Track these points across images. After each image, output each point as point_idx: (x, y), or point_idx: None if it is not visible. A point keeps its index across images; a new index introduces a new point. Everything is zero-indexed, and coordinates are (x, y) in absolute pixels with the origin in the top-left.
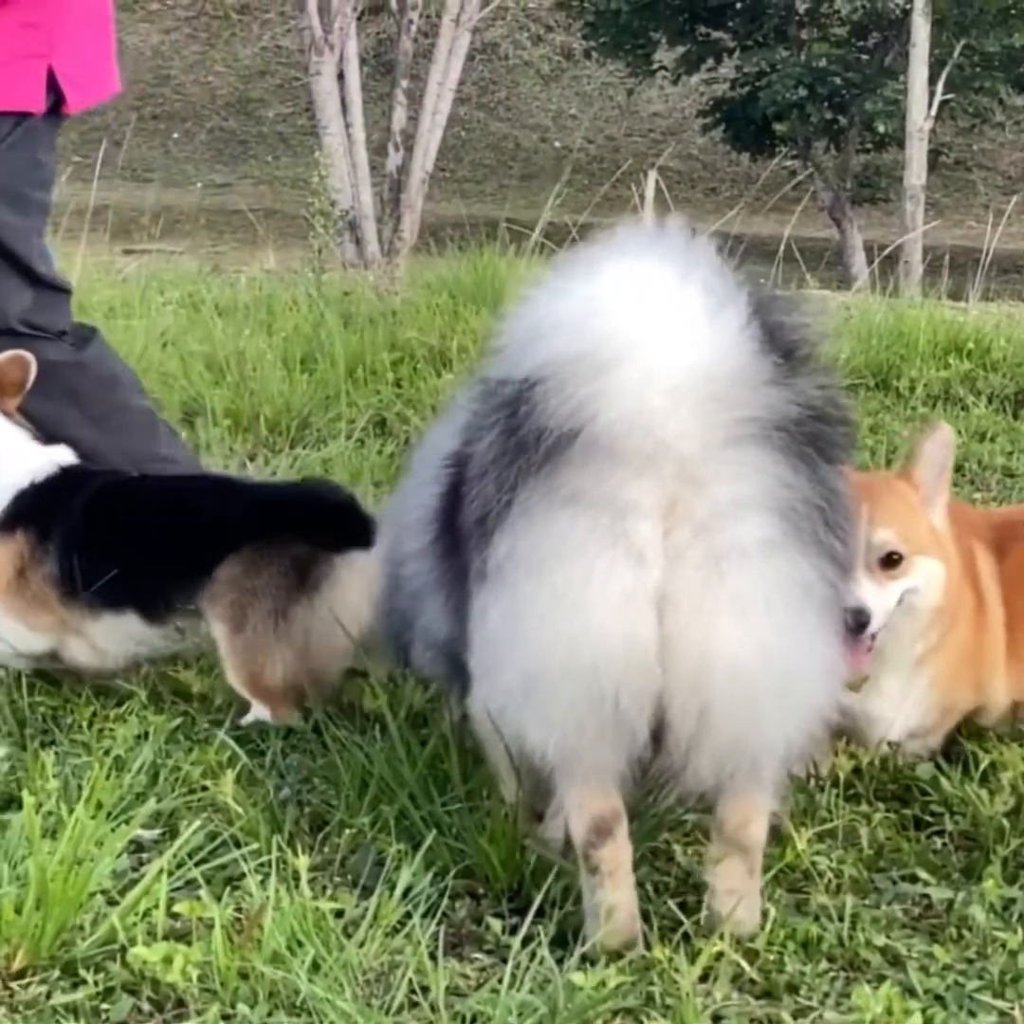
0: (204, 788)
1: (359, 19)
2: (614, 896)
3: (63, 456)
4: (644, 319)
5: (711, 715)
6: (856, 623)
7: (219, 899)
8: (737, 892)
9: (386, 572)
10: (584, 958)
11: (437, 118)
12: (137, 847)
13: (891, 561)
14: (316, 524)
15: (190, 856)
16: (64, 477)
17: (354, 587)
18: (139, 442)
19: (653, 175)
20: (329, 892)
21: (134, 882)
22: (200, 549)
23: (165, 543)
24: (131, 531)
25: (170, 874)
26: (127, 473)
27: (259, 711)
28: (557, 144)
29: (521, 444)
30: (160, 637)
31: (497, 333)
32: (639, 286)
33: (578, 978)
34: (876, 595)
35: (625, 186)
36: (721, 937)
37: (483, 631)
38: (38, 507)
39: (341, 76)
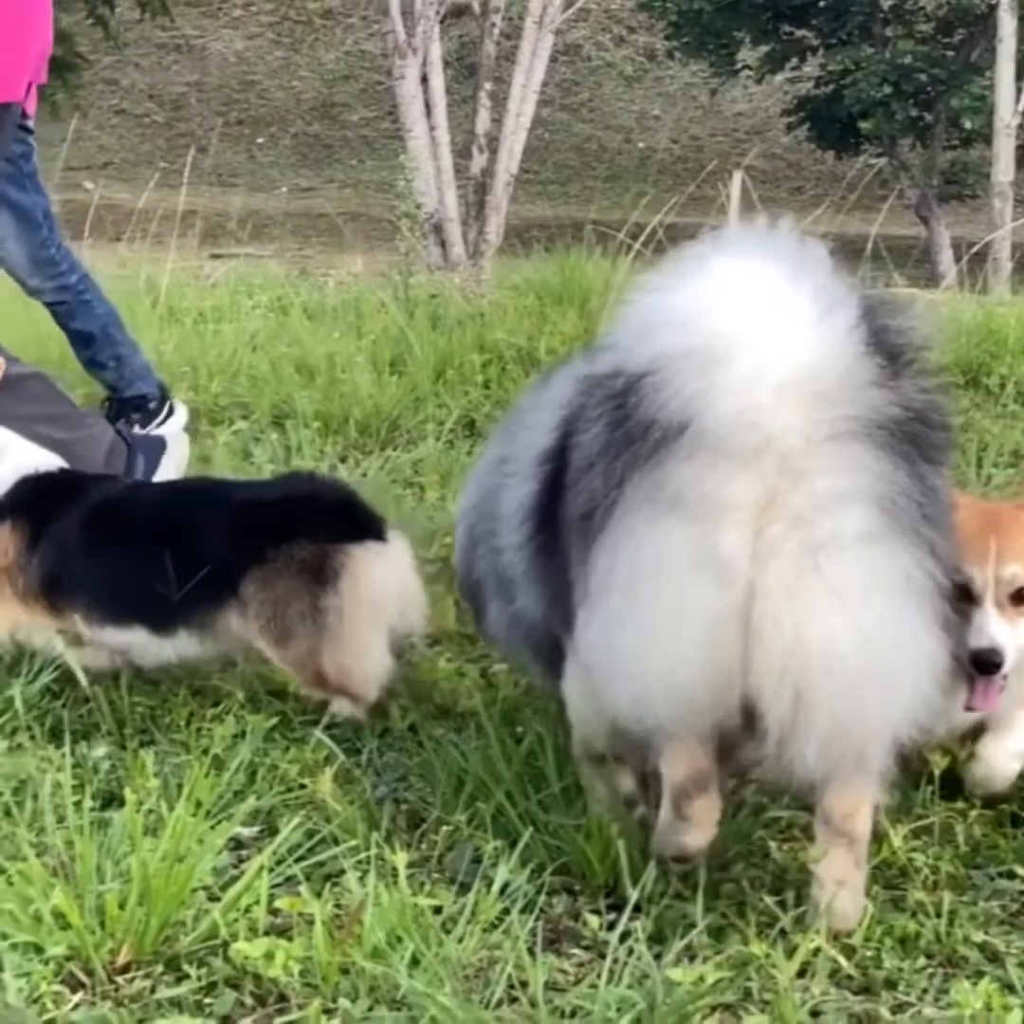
0: (301, 786)
1: (442, 22)
2: (697, 841)
3: (56, 459)
4: (754, 317)
5: (808, 702)
6: (989, 663)
7: (319, 895)
8: (844, 883)
9: (464, 541)
10: (683, 954)
11: (521, 120)
12: (236, 844)
13: (1021, 597)
14: (327, 519)
15: (289, 853)
16: (60, 481)
17: (377, 574)
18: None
19: (739, 175)
20: (427, 888)
21: (234, 879)
22: (220, 565)
23: (182, 561)
24: (140, 547)
25: (270, 871)
26: (121, 481)
27: (341, 705)
28: (641, 145)
29: (629, 436)
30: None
31: (607, 329)
32: (750, 285)
33: (676, 973)
34: (1008, 633)
35: (710, 186)
36: (818, 932)
37: (586, 639)
38: (33, 509)
39: (425, 79)
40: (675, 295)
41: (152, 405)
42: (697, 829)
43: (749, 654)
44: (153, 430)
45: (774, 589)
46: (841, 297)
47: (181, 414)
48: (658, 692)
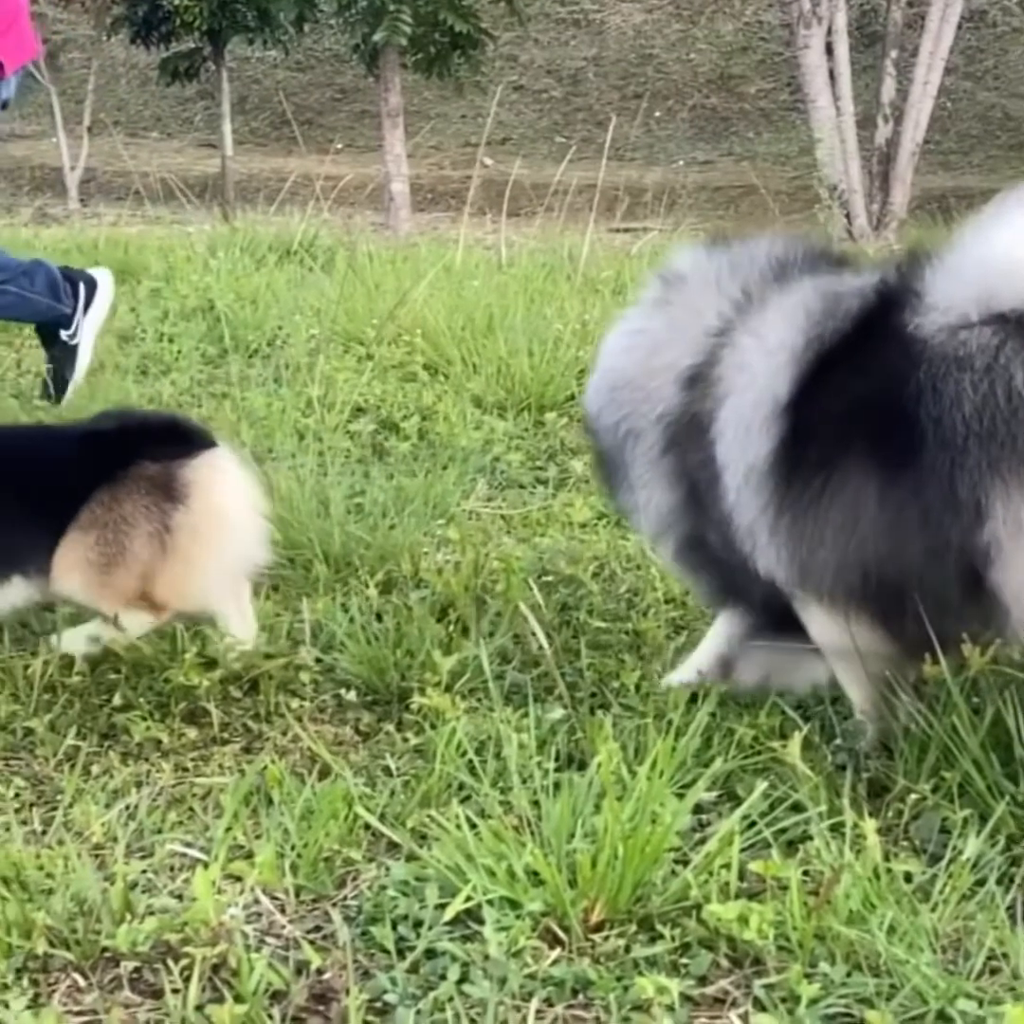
0: (757, 752)
1: None
2: None
3: None
4: None
5: None
6: None
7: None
8: None
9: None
10: None
11: (928, 88)
12: (696, 808)
13: None
14: (157, 443)
15: (761, 817)
16: None
17: (224, 485)
18: None
19: None
20: (896, 856)
21: (700, 841)
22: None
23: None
24: None
25: (739, 835)
26: None
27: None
28: None
29: None
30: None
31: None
32: None
33: None
34: None
35: None
36: None
37: None
38: None
39: (829, 49)
40: None
41: None
42: None
43: None
44: None
45: None
46: None
47: None
48: None
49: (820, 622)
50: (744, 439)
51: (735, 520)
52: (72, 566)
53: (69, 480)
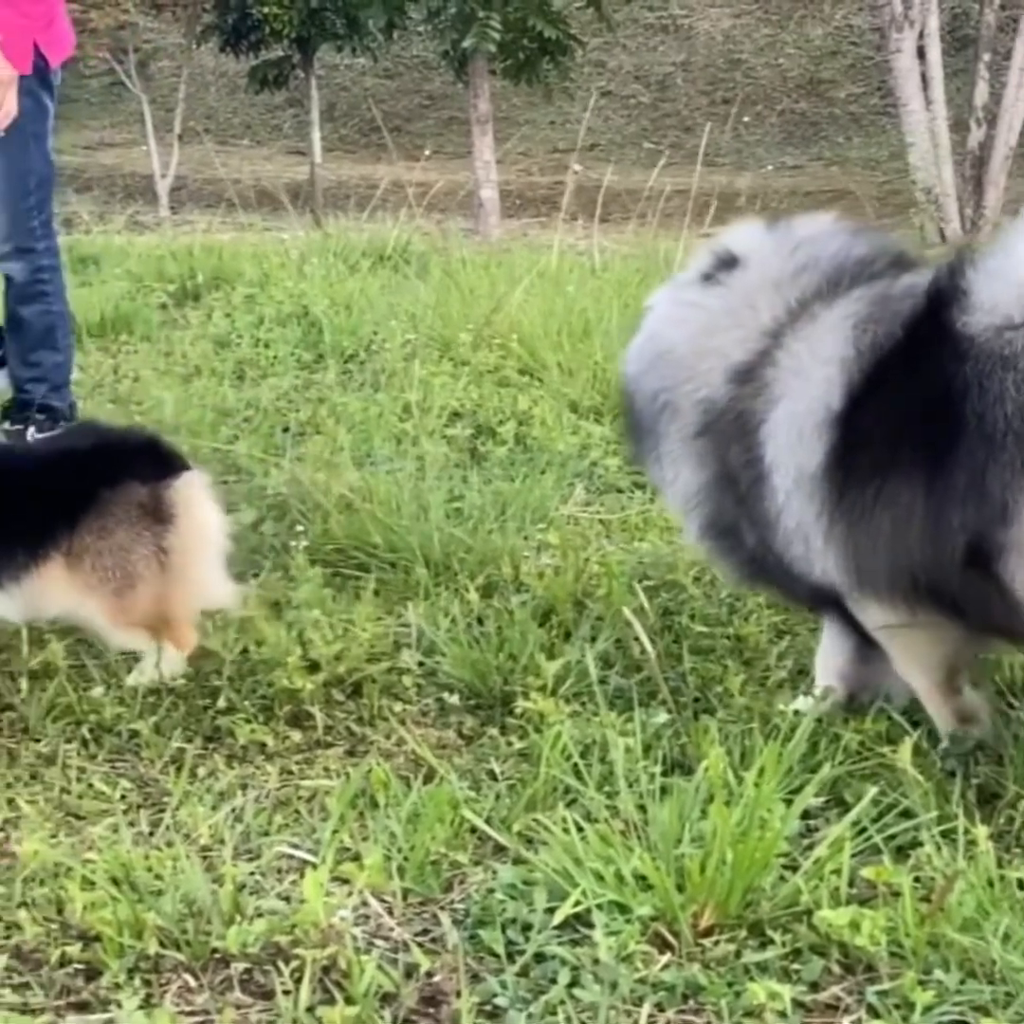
0: (865, 758)
1: None
2: None
3: None
4: None
5: None
6: None
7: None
8: None
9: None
10: None
11: (1021, 91)
12: (804, 813)
13: None
14: (141, 463)
15: (871, 823)
16: None
17: (203, 504)
18: None
19: None
20: (1009, 863)
21: (808, 847)
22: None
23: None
24: None
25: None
26: None
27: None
28: None
29: None
30: None
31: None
32: None
33: None
34: None
35: None
36: None
37: None
38: None
39: (921, 53)
40: None
41: (59, 420)
42: None
43: None
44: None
45: None
46: None
47: None
48: None
49: (875, 617)
50: (796, 444)
51: (783, 522)
52: (71, 585)
53: (51, 496)
